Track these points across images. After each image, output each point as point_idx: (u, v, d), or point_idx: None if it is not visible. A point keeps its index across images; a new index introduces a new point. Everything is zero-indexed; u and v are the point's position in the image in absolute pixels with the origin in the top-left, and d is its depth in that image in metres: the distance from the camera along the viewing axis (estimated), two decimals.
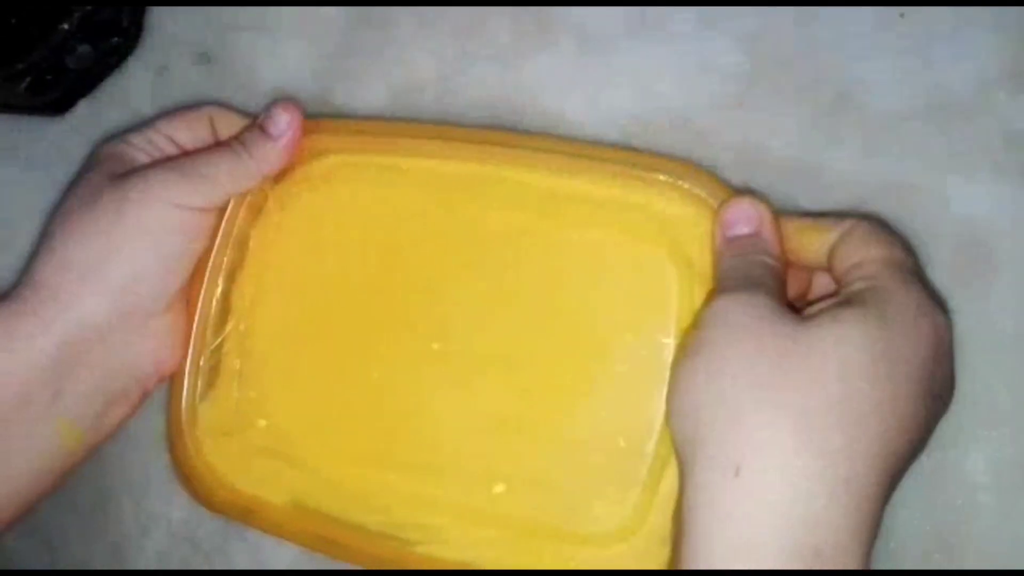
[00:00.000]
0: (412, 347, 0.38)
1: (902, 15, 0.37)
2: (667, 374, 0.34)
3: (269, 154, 0.37)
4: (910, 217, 0.36)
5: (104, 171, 0.37)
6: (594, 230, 0.36)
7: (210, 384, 0.40)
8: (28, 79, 0.42)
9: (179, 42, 0.45)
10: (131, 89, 0.45)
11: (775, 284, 0.31)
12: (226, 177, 0.37)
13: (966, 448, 0.35)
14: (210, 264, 0.40)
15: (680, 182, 0.35)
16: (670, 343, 0.35)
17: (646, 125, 0.39)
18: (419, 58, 0.42)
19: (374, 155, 0.39)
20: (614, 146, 0.38)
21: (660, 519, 0.34)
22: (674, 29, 0.39)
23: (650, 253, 0.35)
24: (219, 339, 0.40)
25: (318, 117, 0.42)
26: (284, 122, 0.37)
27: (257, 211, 0.40)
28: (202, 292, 0.39)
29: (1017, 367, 0.35)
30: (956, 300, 0.35)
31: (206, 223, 0.38)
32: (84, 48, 0.43)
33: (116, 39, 0.44)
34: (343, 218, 0.40)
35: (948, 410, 0.31)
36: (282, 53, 0.44)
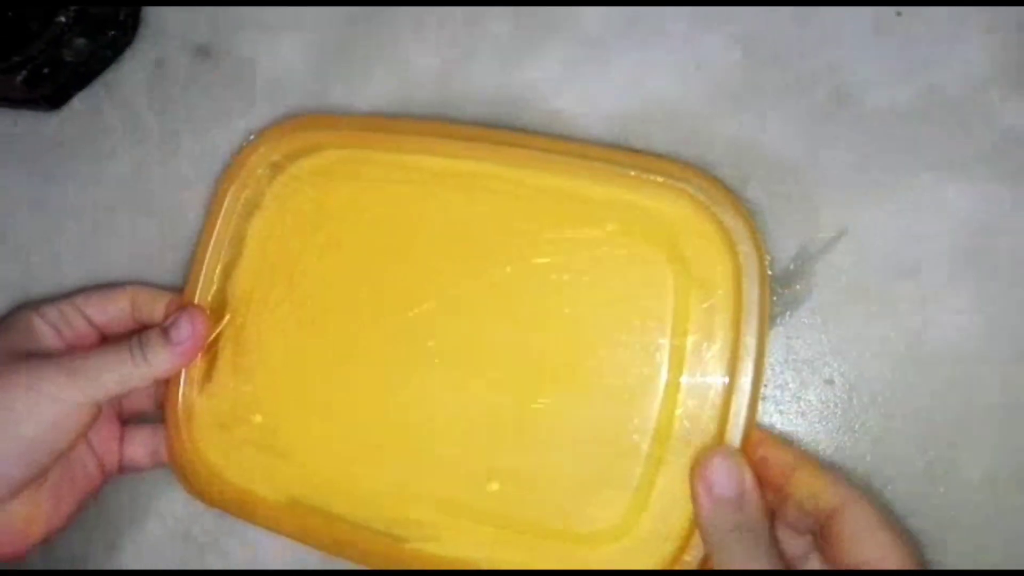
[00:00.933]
0: (407, 343, 0.38)
1: (899, 14, 0.37)
2: (662, 374, 0.34)
3: (165, 360, 0.37)
4: (906, 216, 0.36)
5: (5, 343, 0.37)
6: (591, 230, 0.36)
7: (207, 378, 0.40)
8: (24, 72, 0.42)
9: (176, 36, 0.45)
10: (127, 83, 0.45)
11: (779, 559, 0.31)
12: (114, 380, 0.37)
13: (962, 448, 0.35)
14: (207, 258, 0.40)
15: (678, 183, 0.35)
16: (666, 343, 0.35)
17: (643, 123, 0.39)
18: (418, 56, 0.42)
19: (371, 151, 0.39)
20: (612, 146, 0.38)
21: (653, 519, 0.34)
22: (671, 28, 0.39)
23: (647, 253, 0.35)
24: (215, 333, 0.40)
25: (315, 113, 0.42)
26: (186, 332, 0.38)
27: (254, 206, 0.40)
28: (199, 286, 0.40)
29: (1013, 366, 0.35)
30: (953, 300, 0.36)
31: (83, 417, 0.37)
32: (81, 41, 0.43)
33: (113, 32, 0.44)
34: (340, 214, 0.40)
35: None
36: (281, 48, 0.44)
